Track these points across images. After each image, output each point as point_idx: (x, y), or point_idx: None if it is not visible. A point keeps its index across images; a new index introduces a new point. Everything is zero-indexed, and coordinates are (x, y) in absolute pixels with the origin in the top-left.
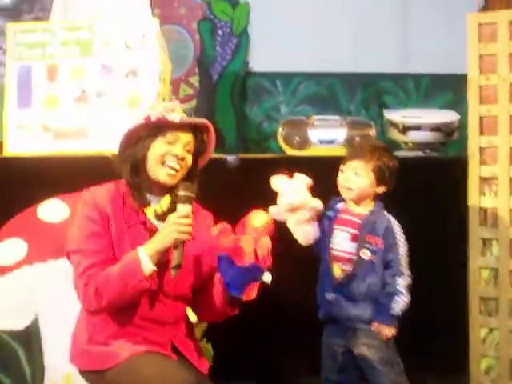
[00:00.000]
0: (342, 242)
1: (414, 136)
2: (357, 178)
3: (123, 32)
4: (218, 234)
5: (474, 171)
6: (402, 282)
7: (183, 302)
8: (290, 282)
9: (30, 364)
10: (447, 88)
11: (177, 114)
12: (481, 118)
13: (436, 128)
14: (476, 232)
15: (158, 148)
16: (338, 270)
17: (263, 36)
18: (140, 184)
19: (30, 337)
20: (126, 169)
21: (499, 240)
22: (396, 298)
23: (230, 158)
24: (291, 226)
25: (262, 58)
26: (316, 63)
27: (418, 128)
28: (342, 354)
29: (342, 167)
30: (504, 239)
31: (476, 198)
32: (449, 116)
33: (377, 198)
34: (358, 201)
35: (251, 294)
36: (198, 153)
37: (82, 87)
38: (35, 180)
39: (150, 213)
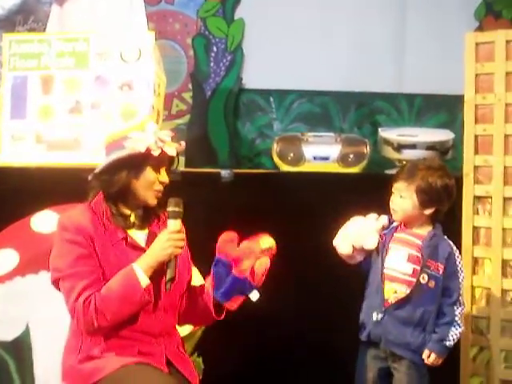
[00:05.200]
0: (398, 261)
1: (409, 154)
2: (401, 200)
3: (119, 44)
4: (225, 241)
5: (469, 190)
6: (459, 312)
7: (173, 312)
8: (285, 296)
9: (19, 375)
10: (440, 108)
11: (172, 147)
12: (476, 137)
13: (431, 147)
14: (469, 251)
15: (148, 176)
16: (390, 291)
17: (258, 53)
18: (122, 208)
19: (20, 348)
20: (112, 194)
21: (492, 259)
22: (453, 329)
23: (224, 172)
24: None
25: (256, 75)
26: (310, 81)
27: (412, 146)
28: (380, 378)
29: (392, 188)
30: (497, 258)
31: (470, 217)
32: (444, 135)
33: (434, 219)
34: (406, 223)
35: (234, 304)
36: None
37: (77, 98)
38: (28, 191)
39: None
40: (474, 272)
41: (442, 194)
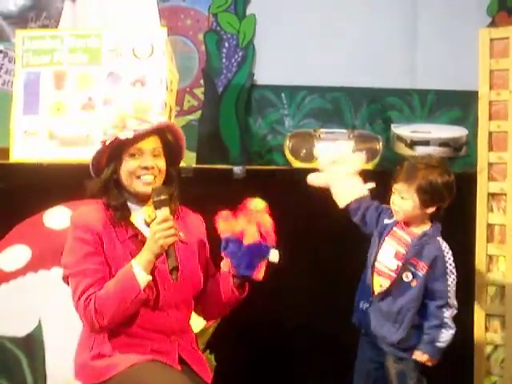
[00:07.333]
0: (387, 256)
1: (422, 151)
2: (402, 201)
3: (131, 40)
4: (223, 220)
5: (483, 187)
6: (449, 314)
7: (186, 309)
8: (297, 293)
9: (31, 371)
10: (453, 104)
11: (129, 130)
12: (490, 134)
13: (444, 143)
14: (483, 248)
15: (127, 165)
16: (377, 284)
17: (269, 49)
18: (117, 202)
19: (32, 344)
20: (101, 191)
21: (506, 257)
22: (443, 330)
23: (236, 168)
24: (334, 181)
25: (268, 71)
26: (321, 77)
27: (426, 143)
28: (376, 370)
29: (392, 188)
30: (511, 256)
31: (484, 214)
32: (457, 131)
33: (435, 217)
34: (407, 222)
35: (260, 274)
36: (171, 153)
37: (89, 95)
38: (40, 187)
39: (137, 223)
40: (488, 269)
41: (443, 192)
